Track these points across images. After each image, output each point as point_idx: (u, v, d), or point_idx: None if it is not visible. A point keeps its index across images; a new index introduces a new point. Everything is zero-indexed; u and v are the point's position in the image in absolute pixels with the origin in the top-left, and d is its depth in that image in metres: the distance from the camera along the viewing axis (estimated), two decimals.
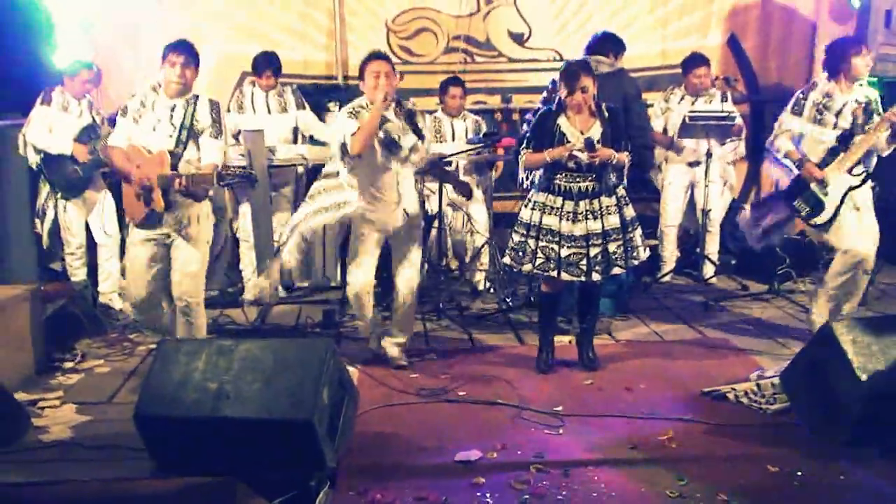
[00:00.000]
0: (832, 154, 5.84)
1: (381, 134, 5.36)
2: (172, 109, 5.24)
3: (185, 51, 5.23)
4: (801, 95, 6.00)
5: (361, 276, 5.58)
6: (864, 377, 4.21)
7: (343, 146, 5.38)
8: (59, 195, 6.90)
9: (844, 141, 5.80)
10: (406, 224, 5.58)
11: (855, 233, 5.80)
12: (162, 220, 5.24)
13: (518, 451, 4.33)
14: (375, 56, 5.50)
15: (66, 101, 6.77)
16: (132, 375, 5.57)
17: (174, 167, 5.15)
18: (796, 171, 5.95)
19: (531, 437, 4.50)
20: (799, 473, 4.09)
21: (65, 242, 7.01)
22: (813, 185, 5.85)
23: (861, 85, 5.90)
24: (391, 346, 5.72)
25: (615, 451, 4.33)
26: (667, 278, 7.92)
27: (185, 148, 5.23)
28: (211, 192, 5.42)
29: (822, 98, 5.88)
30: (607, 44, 6.55)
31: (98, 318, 6.59)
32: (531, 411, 4.83)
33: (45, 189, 6.93)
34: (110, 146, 5.40)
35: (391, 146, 5.40)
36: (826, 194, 5.83)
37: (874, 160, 5.90)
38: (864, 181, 5.81)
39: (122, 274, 5.66)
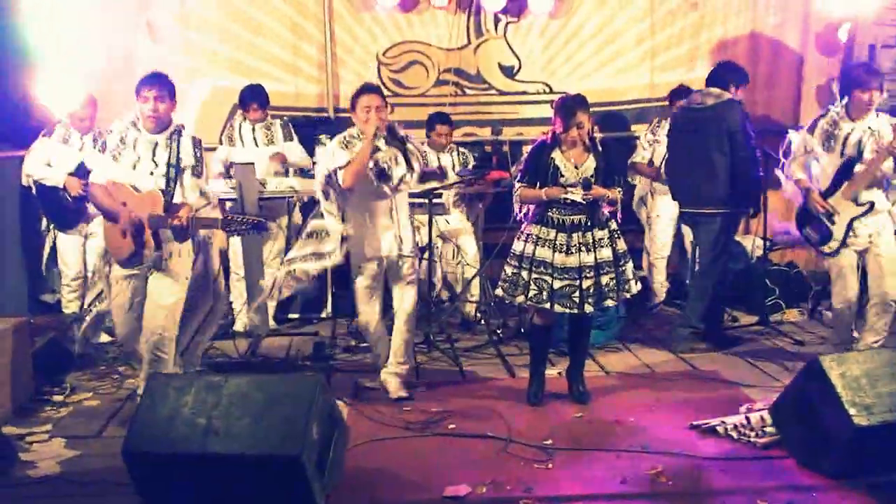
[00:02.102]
0: (836, 183, 5.90)
1: (371, 164, 5.41)
2: (155, 146, 5.23)
3: (156, 84, 5.21)
4: (820, 117, 6.05)
5: (369, 308, 5.69)
6: (852, 411, 4.23)
7: (328, 176, 5.44)
8: (53, 226, 6.93)
9: (846, 169, 5.85)
10: (401, 252, 5.61)
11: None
12: (144, 257, 5.22)
13: (507, 485, 4.32)
14: (367, 89, 5.57)
15: (69, 134, 6.81)
16: (121, 409, 5.55)
17: (167, 208, 5.14)
18: (803, 199, 6.03)
19: (520, 472, 4.49)
20: None
21: (61, 273, 7.03)
22: (821, 214, 5.91)
23: (878, 115, 5.89)
24: (390, 378, 5.73)
25: (604, 486, 4.33)
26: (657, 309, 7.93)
27: (175, 186, 5.23)
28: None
29: (829, 125, 5.94)
30: (727, 74, 6.64)
31: (88, 350, 6.58)
32: (521, 445, 4.82)
33: (44, 219, 6.97)
34: (92, 183, 5.36)
35: (382, 176, 5.46)
36: (833, 223, 5.89)
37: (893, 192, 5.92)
38: (867, 211, 5.83)
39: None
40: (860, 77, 5.84)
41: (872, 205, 5.83)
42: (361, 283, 5.68)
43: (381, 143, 5.50)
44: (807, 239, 6.10)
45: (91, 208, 6.80)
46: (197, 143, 5.36)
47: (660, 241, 7.98)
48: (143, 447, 4.05)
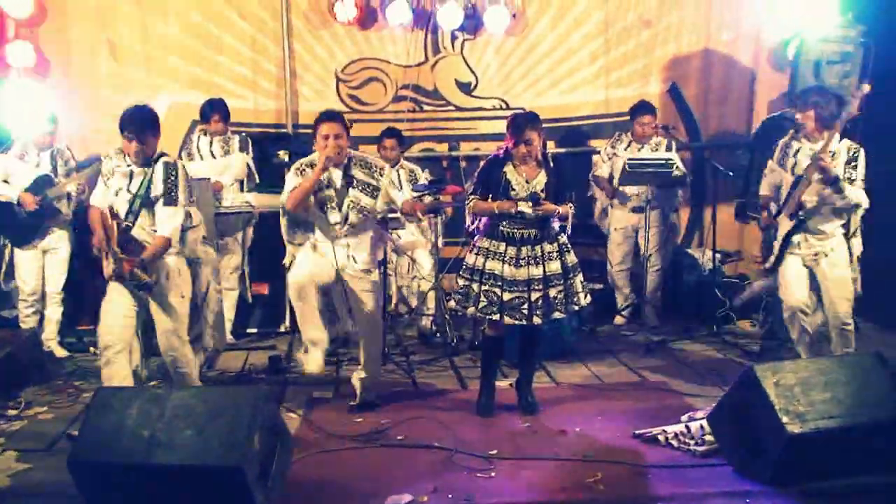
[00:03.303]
0: (786, 201, 6.03)
1: (314, 196, 5.50)
2: (131, 175, 5.29)
3: (132, 124, 5.23)
4: (776, 140, 6.26)
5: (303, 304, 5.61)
6: (785, 419, 4.34)
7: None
8: (7, 241, 6.97)
9: (794, 188, 5.96)
10: (353, 271, 5.63)
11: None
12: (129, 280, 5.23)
13: (449, 494, 4.40)
14: (328, 117, 5.56)
15: (26, 150, 6.86)
16: (75, 422, 5.58)
17: (121, 240, 5.14)
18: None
19: (463, 481, 4.57)
20: None
21: (19, 289, 7.06)
22: (771, 231, 6.11)
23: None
24: (355, 380, 5.82)
25: (544, 494, 4.41)
26: (621, 320, 8.09)
27: (136, 218, 5.24)
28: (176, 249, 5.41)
29: (784, 144, 6.11)
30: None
31: (44, 364, 6.61)
32: (466, 455, 4.90)
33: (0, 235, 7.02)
34: (90, 205, 5.43)
35: (322, 208, 5.54)
36: (775, 239, 6.05)
37: (853, 213, 5.97)
38: (797, 225, 5.95)
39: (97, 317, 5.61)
40: (796, 99, 6.13)
41: (802, 220, 5.94)
42: (295, 276, 5.57)
43: (335, 173, 5.53)
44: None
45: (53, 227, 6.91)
46: (171, 169, 5.31)
47: (617, 254, 8.10)
48: (89, 458, 4.11)
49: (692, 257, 8.41)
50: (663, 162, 7.53)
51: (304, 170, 5.54)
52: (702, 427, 4.99)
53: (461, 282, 5.58)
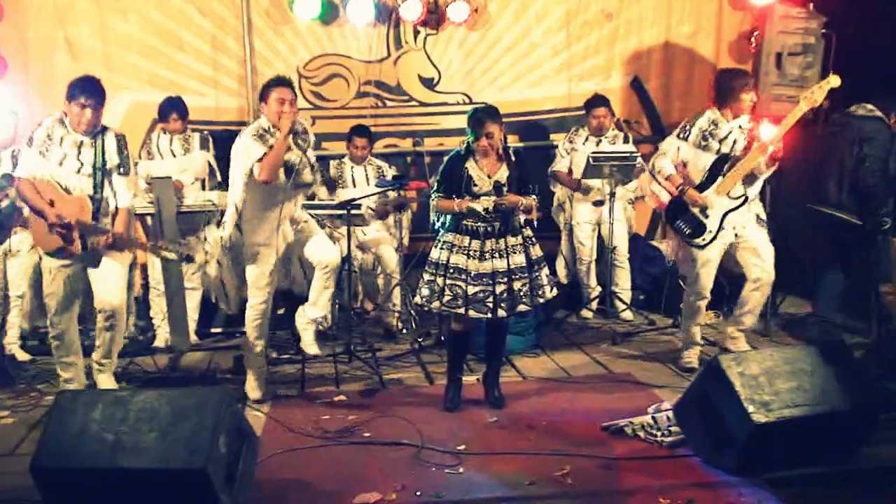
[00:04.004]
0: (711, 178, 6.11)
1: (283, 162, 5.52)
2: (80, 146, 5.27)
3: (94, 94, 5.28)
4: (688, 122, 6.29)
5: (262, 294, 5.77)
6: (750, 408, 4.37)
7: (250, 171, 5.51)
8: None
9: (720, 164, 6.07)
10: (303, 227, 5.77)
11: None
12: (72, 254, 5.29)
13: (417, 491, 4.39)
14: (281, 82, 5.61)
15: None
16: (37, 426, 5.51)
17: (95, 215, 5.17)
18: (673, 194, 6.22)
19: (431, 477, 4.58)
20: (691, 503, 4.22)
21: None
22: (693, 208, 6.12)
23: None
24: (304, 328, 5.85)
25: (512, 489, 4.43)
26: (589, 314, 8.10)
27: (102, 190, 5.25)
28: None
29: (708, 125, 6.15)
30: None
31: (6, 369, 6.51)
32: (434, 451, 4.90)
33: None
34: (19, 178, 5.38)
35: (289, 174, 5.56)
36: (707, 217, 6.10)
37: (758, 185, 6.15)
38: (741, 204, 6.06)
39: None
40: (740, 78, 6.16)
41: (746, 198, 6.06)
42: (253, 271, 5.70)
43: (290, 140, 5.57)
44: (677, 231, 6.26)
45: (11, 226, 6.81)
46: (121, 138, 5.42)
47: (586, 248, 8.12)
48: (51, 463, 4.05)
49: (656, 249, 8.45)
50: (627, 155, 7.55)
51: (261, 135, 5.51)
52: (668, 418, 5.04)
53: (426, 276, 5.58)
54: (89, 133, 5.30)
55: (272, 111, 5.52)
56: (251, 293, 5.75)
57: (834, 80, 5.83)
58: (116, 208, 5.49)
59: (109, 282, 5.47)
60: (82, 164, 5.26)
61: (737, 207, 6.06)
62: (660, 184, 6.29)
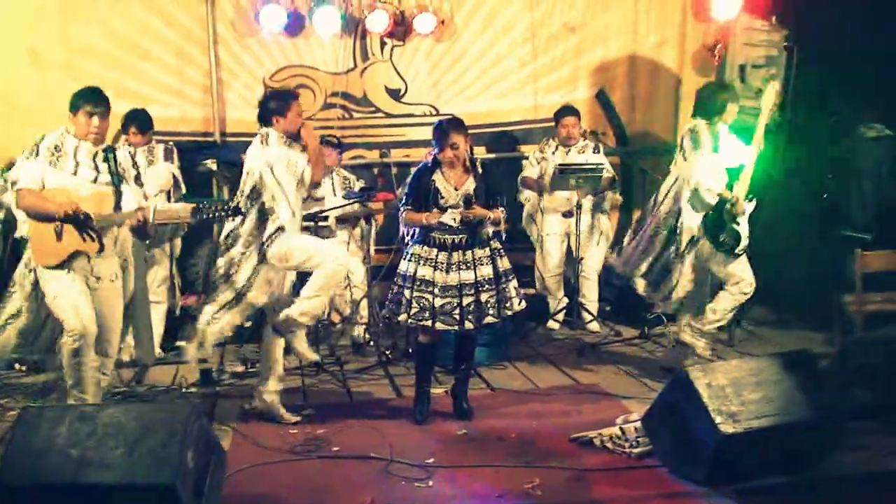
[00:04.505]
0: (728, 186, 6.12)
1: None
2: (95, 156, 5.21)
3: (100, 102, 5.24)
4: (694, 138, 6.25)
5: None
6: (718, 419, 4.39)
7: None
8: None
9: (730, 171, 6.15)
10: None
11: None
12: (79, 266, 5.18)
13: None
14: (297, 96, 5.77)
15: None
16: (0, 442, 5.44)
17: (117, 205, 5.16)
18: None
19: (401, 491, 4.56)
20: None
21: None
22: (727, 219, 6.09)
23: None
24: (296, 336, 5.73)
25: (482, 501, 4.43)
26: (556, 325, 8.10)
27: (121, 193, 5.21)
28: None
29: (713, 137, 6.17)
30: None
31: None
32: (402, 464, 4.88)
33: None
34: (21, 189, 5.21)
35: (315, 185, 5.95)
36: (739, 225, 6.11)
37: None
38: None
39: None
40: (728, 93, 6.35)
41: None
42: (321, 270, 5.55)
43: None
44: (720, 247, 6.16)
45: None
46: (132, 155, 5.48)
47: (554, 259, 8.14)
48: (16, 480, 3.97)
49: None
50: (593, 166, 7.59)
51: (287, 141, 5.59)
52: (636, 429, 5.05)
53: (394, 289, 5.58)
54: (100, 142, 5.24)
55: (292, 122, 5.57)
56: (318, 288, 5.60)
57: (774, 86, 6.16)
58: None
59: (110, 324, 5.39)
60: (99, 172, 5.19)
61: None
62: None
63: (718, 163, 6.20)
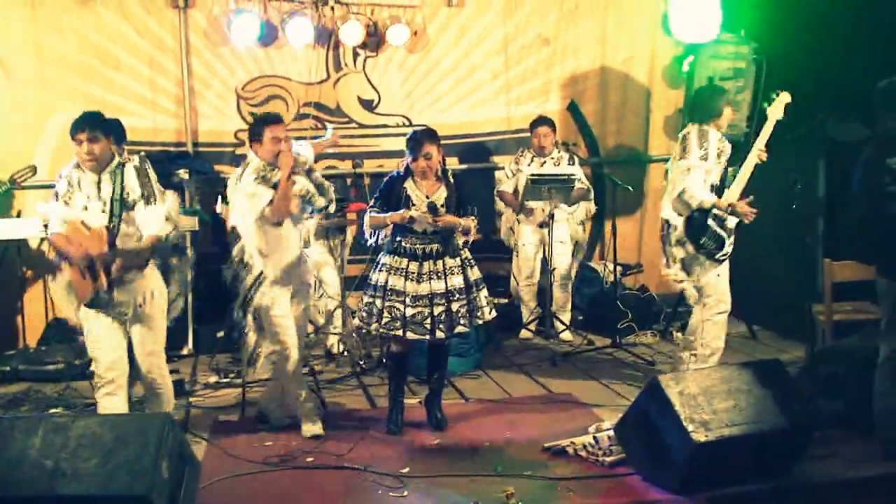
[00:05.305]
0: (719, 191, 6.09)
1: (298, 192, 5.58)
2: (99, 184, 5.09)
3: (87, 126, 5.05)
4: (693, 144, 6.08)
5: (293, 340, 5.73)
6: (690, 427, 4.43)
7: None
8: None
9: (724, 177, 6.13)
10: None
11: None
12: (111, 302, 5.05)
13: None
14: (274, 119, 5.60)
15: None
16: None
17: (111, 244, 5.01)
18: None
19: (375, 501, 4.58)
20: None
21: None
22: (711, 222, 6.02)
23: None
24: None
25: None
26: (528, 334, 8.13)
27: (119, 221, 5.08)
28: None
29: (720, 144, 6.09)
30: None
31: None
32: (376, 474, 4.89)
33: None
34: (54, 234, 5.13)
35: (309, 204, 5.69)
36: (725, 230, 6.05)
37: None
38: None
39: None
40: (725, 96, 6.28)
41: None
42: (278, 311, 5.60)
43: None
44: (701, 249, 6.06)
45: None
46: (142, 171, 5.17)
47: (527, 269, 8.18)
48: None
49: (593, 270, 8.56)
50: (566, 178, 7.65)
51: (263, 176, 5.46)
52: (609, 438, 5.08)
53: (365, 298, 5.60)
54: (100, 168, 5.08)
55: (268, 150, 5.46)
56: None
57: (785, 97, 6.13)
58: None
59: (148, 348, 5.29)
60: (105, 202, 5.08)
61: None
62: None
63: (706, 170, 6.10)
